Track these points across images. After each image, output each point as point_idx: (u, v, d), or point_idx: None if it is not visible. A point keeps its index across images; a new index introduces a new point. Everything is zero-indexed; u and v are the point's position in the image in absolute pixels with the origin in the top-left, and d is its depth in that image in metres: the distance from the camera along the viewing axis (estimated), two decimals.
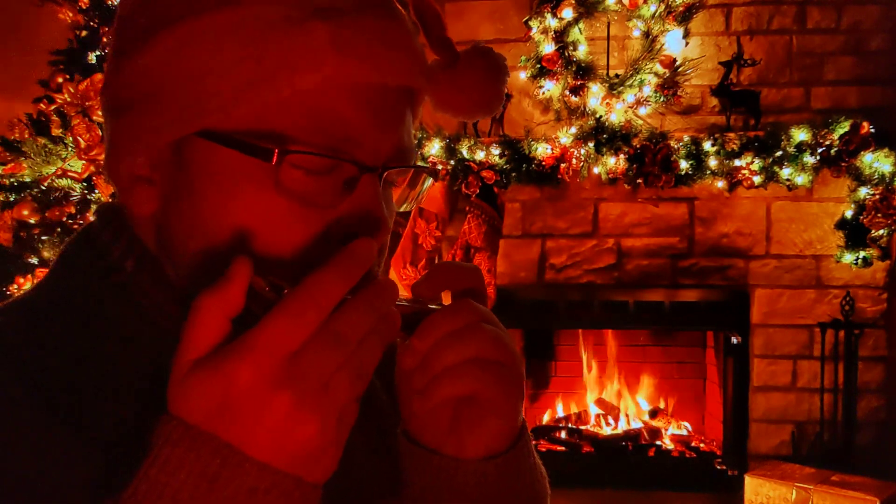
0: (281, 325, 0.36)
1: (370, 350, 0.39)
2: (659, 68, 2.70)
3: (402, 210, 0.54)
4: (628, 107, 2.73)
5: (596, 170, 2.71)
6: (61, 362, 0.45)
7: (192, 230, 0.46)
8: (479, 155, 2.71)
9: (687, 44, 2.77)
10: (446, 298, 0.50)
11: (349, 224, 0.46)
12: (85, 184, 1.98)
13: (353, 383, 0.38)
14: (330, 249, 0.40)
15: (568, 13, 2.69)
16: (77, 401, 0.43)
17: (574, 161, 2.67)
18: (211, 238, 0.45)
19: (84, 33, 2.15)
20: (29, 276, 1.93)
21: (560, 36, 2.72)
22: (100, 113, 1.98)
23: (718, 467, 2.89)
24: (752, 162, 2.64)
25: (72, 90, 1.99)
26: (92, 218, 0.54)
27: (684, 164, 2.66)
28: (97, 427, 0.43)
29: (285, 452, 0.37)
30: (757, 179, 2.66)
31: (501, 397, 0.46)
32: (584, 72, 2.71)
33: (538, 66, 2.75)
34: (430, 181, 0.54)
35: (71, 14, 2.17)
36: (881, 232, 2.61)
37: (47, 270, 0.52)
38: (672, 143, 2.66)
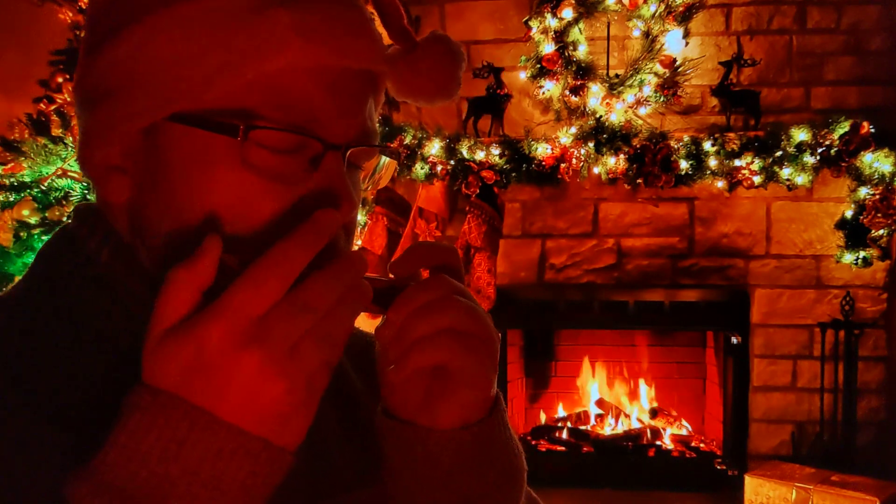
0: (246, 289, 0.38)
1: (339, 318, 0.40)
2: (659, 68, 2.70)
3: (364, 191, 0.55)
4: (628, 107, 2.73)
5: (596, 170, 2.71)
6: (35, 353, 0.46)
7: (164, 214, 0.47)
8: (479, 155, 2.71)
9: (687, 44, 2.77)
10: (424, 276, 0.51)
11: (317, 201, 0.48)
12: (85, 184, 1.98)
13: (321, 348, 0.39)
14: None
15: (568, 13, 2.69)
16: (53, 389, 0.45)
17: (574, 161, 2.66)
18: (183, 220, 0.46)
19: (84, 33, 2.15)
20: None
21: (560, 36, 2.72)
22: None
23: (718, 467, 2.89)
24: (752, 162, 2.64)
25: (72, 90, 1.99)
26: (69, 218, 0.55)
27: (684, 164, 2.66)
28: (72, 413, 0.44)
29: (253, 413, 0.38)
30: (757, 179, 2.66)
31: (474, 368, 0.47)
32: (584, 72, 2.71)
33: (538, 66, 2.75)
34: (385, 160, 0.55)
35: (71, 14, 2.17)
36: (881, 232, 2.61)
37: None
38: (672, 143, 2.66)
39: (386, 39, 0.53)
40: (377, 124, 0.54)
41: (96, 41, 0.49)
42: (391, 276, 0.50)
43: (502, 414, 0.52)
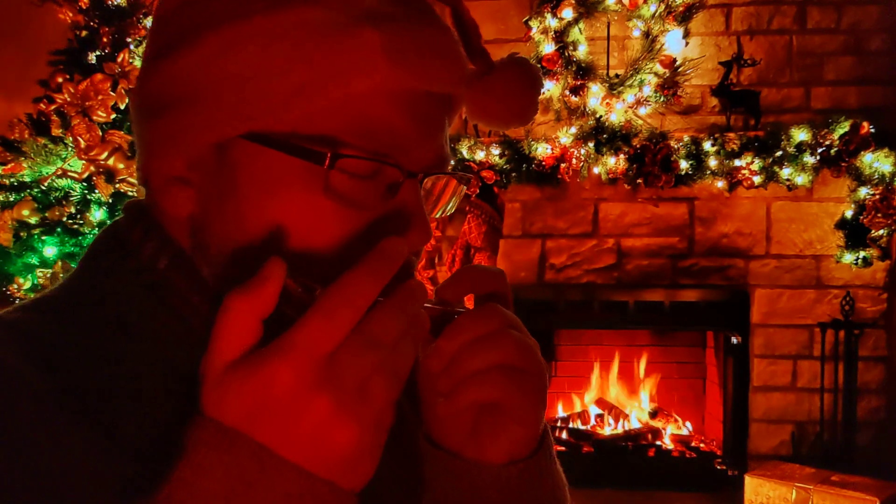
0: (316, 325, 0.36)
1: (404, 353, 0.39)
2: (659, 68, 2.70)
3: (439, 215, 0.54)
4: (628, 107, 2.73)
5: (596, 170, 2.71)
6: (90, 362, 0.44)
7: (233, 231, 0.46)
8: (479, 155, 2.71)
9: (687, 44, 2.77)
10: (469, 302, 0.50)
11: (392, 227, 0.46)
12: (85, 184, 1.98)
13: (390, 386, 0.38)
14: None
15: (568, 13, 2.69)
16: (106, 401, 0.43)
17: (574, 161, 2.67)
18: (251, 239, 0.45)
19: (84, 33, 2.15)
20: (29, 276, 1.93)
21: (560, 36, 2.72)
22: (100, 112, 1.98)
23: (718, 467, 2.89)
24: (752, 162, 2.64)
25: (72, 90, 1.99)
26: (103, 218, 0.53)
27: (684, 164, 2.66)
28: (126, 428, 0.42)
29: (322, 457, 0.36)
30: (757, 179, 2.66)
31: (525, 405, 0.46)
32: (584, 72, 2.71)
33: (538, 66, 2.75)
34: (464, 189, 0.54)
35: (71, 14, 2.17)
36: (881, 232, 2.61)
37: (59, 268, 0.51)
38: (672, 143, 2.66)
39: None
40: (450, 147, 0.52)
41: (165, 46, 0.47)
42: (432, 298, 0.48)
43: (549, 448, 0.51)
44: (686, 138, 2.69)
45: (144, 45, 0.53)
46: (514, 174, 2.72)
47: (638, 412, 3.19)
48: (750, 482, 2.51)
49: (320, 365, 0.36)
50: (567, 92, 2.75)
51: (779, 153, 2.64)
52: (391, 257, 0.39)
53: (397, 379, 0.38)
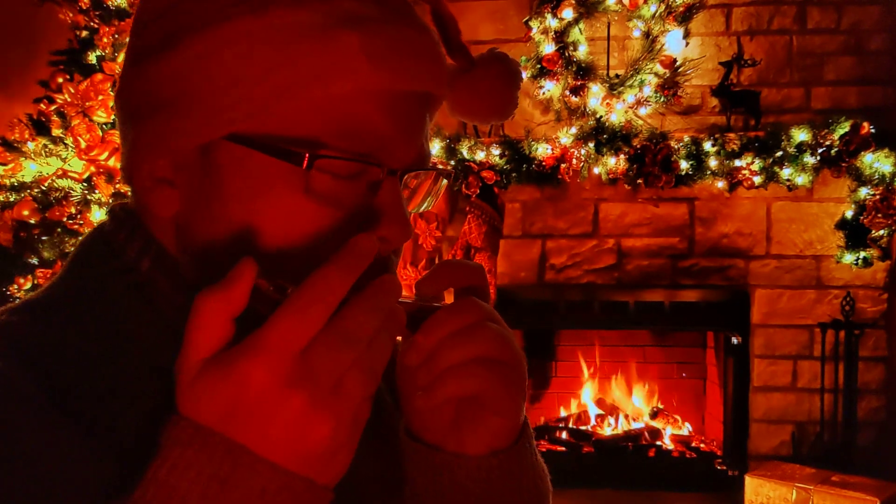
0: (288, 322, 0.36)
1: (379, 348, 0.39)
2: (659, 68, 2.70)
3: (416, 211, 0.55)
4: (628, 107, 2.73)
5: (596, 170, 2.71)
6: (75, 362, 0.44)
7: (218, 231, 0.46)
8: (479, 155, 2.71)
9: (687, 44, 2.77)
10: (449, 296, 0.50)
11: (373, 226, 0.47)
12: (85, 184, 1.98)
13: (365, 382, 0.38)
14: None
15: (568, 13, 2.69)
16: (91, 401, 0.43)
17: (574, 161, 2.67)
18: (236, 238, 0.45)
19: (84, 33, 2.15)
20: (29, 276, 1.93)
21: (560, 36, 2.72)
22: (100, 113, 1.98)
23: (718, 467, 2.89)
24: (753, 162, 2.64)
25: (72, 90, 1.99)
26: (102, 218, 0.53)
27: (684, 165, 2.66)
28: (111, 428, 0.43)
29: (298, 453, 0.36)
30: (757, 180, 2.66)
31: (504, 397, 0.47)
32: (585, 72, 2.71)
33: (538, 66, 2.75)
34: (444, 183, 0.54)
35: (71, 14, 2.17)
36: (881, 232, 2.61)
37: (59, 269, 0.51)
38: (672, 143, 2.66)
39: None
40: (430, 144, 0.53)
41: (148, 49, 0.47)
42: (414, 294, 0.49)
43: (529, 439, 0.51)
44: (686, 138, 2.69)
45: (126, 47, 0.52)
46: (514, 174, 2.72)
47: (638, 412, 3.19)
48: (750, 482, 2.51)
49: (293, 362, 0.36)
50: (567, 92, 2.74)
51: (779, 153, 2.64)
52: (360, 253, 0.39)
53: (372, 374, 0.38)
